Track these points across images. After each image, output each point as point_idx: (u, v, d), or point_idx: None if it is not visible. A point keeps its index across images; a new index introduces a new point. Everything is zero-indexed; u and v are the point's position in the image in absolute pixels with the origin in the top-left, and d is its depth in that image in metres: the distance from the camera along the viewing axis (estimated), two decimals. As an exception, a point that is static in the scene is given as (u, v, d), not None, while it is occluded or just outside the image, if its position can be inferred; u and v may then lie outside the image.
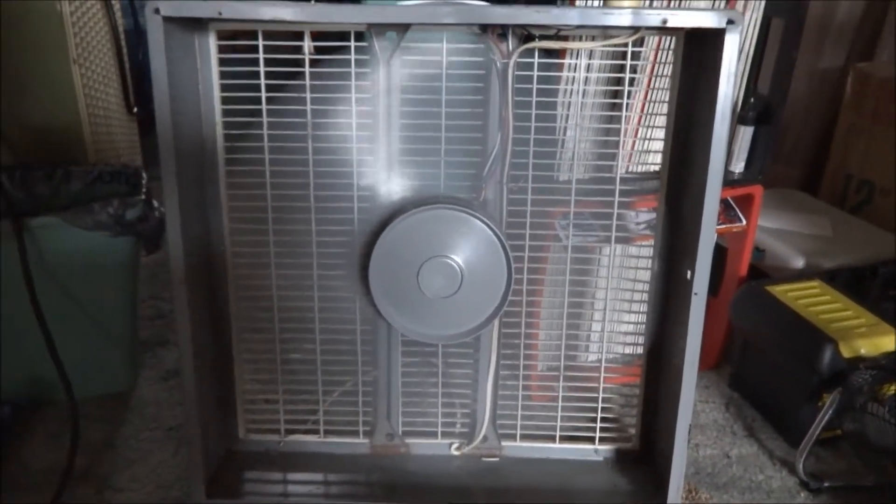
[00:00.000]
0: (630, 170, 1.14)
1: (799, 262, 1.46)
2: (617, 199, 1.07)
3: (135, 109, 1.81)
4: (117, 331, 1.29)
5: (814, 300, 1.28)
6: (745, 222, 1.31)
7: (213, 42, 1.01)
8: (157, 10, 0.90)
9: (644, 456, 1.17)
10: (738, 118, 1.29)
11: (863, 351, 1.16)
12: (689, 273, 1.01)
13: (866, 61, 1.79)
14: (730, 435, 1.29)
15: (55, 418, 1.26)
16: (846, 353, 1.16)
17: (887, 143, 1.69)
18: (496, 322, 1.09)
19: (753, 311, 1.31)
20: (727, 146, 0.94)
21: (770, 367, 1.30)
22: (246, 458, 1.16)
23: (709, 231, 0.96)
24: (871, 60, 1.80)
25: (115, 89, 1.69)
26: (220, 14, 0.92)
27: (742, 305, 1.33)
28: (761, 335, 1.31)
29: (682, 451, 1.04)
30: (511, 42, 0.99)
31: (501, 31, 0.98)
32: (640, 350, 1.15)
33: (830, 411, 1.13)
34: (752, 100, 1.26)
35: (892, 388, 1.11)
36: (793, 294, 1.29)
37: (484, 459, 1.18)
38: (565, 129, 1.10)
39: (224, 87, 1.03)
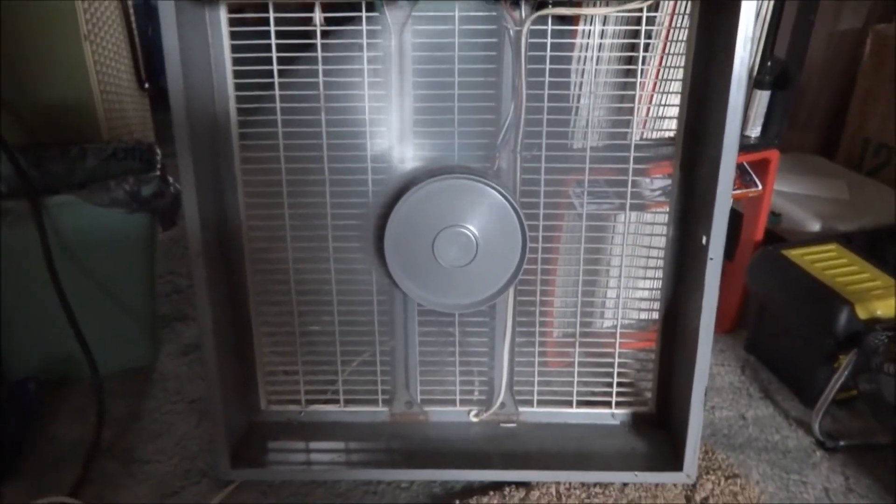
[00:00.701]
0: (644, 136, 1.13)
1: (815, 226, 1.45)
2: (631, 165, 1.07)
3: (146, 85, 1.81)
4: (137, 306, 1.31)
5: (830, 263, 1.27)
6: (760, 187, 1.30)
7: (223, 15, 1.01)
8: (168, -15, 0.89)
9: (661, 419, 1.18)
10: (755, 82, 1.27)
11: (879, 312, 1.16)
12: (704, 238, 1.01)
13: (885, 23, 1.76)
14: (745, 397, 1.30)
15: (80, 394, 1.28)
16: (862, 314, 1.16)
17: (905, 106, 1.67)
18: (511, 290, 1.09)
19: (769, 274, 1.31)
20: (743, 112, 0.93)
21: (786, 330, 1.31)
22: (268, 429, 1.19)
23: (724, 197, 0.95)
24: (891, 22, 1.76)
25: (125, 65, 1.69)
26: (232, -13, 0.92)
27: (758, 269, 1.33)
28: (777, 299, 1.31)
29: (698, 413, 1.05)
30: (524, 9, 0.98)
31: (514, -3, 0.97)
32: (655, 315, 1.16)
33: (847, 372, 1.14)
34: (769, 64, 1.25)
35: (909, 348, 1.11)
36: (809, 257, 1.28)
37: (502, 425, 1.20)
38: (579, 96, 1.10)
39: (236, 61, 1.03)
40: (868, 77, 1.72)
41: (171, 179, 1.26)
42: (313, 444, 1.17)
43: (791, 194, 1.53)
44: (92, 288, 1.25)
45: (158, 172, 1.23)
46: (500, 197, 1.01)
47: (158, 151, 1.33)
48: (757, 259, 1.33)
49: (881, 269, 1.26)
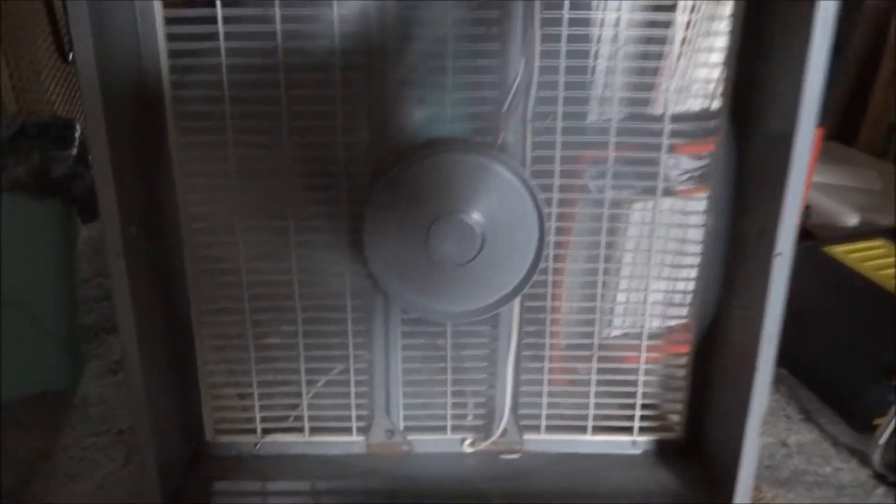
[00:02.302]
0: (677, 108, 0.94)
1: (852, 220, 1.28)
2: (665, 140, 0.87)
3: (70, 56, 1.56)
4: (51, 317, 1.07)
5: (881, 262, 1.10)
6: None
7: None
8: None
9: (691, 447, 0.99)
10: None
11: (948, 318, 0.99)
12: (757, 228, 0.82)
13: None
14: (784, 420, 1.12)
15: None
16: (929, 321, 0.98)
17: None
18: (519, 294, 0.88)
19: (810, 275, 1.12)
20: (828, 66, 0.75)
21: (830, 340, 1.12)
22: (215, 466, 0.97)
23: (799, 177, 0.76)
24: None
25: (42, 33, 1.44)
26: None
27: (796, 269, 1.14)
28: (821, 303, 1.13)
29: (753, 446, 0.86)
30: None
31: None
32: (686, 323, 0.96)
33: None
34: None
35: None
36: (855, 255, 1.11)
37: (502, 457, 1.00)
38: (598, 52, 0.89)
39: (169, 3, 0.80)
40: (894, 58, 1.56)
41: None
42: (272, 485, 0.96)
43: (819, 185, 1.36)
44: (-9, 294, 1.00)
45: (75, 151, 0.99)
46: (513, 177, 0.80)
47: (78, 127, 1.09)
48: (795, 258, 1.15)
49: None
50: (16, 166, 0.90)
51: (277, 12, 0.80)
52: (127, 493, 0.95)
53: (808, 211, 1.31)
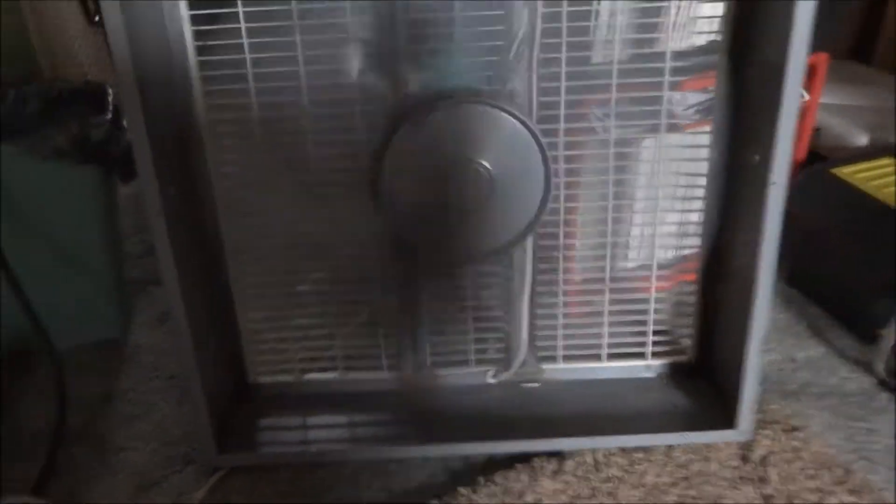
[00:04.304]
0: (680, 44, 0.96)
1: (862, 139, 1.29)
2: (667, 78, 0.90)
3: (97, 19, 1.59)
4: (99, 271, 1.14)
5: (886, 180, 1.12)
6: (807, 96, 1.14)
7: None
8: None
9: (701, 368, 1.05)
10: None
11: (951, 235, 1.02)
12: (756, 158, 0.86)
13: None
14: (793, 337, 1.16)
15: (45, 371, 1.13)
16: (933, 238, 1.01)
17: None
18: (532, 233, 0.94)
19: (819, 197, 1.15)
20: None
21: (839, 259, 1.16)
22: (259, 404, 1.05)
23: (791, 105, 0.79)
24: None
25: (67, -2, 1.47)
26: None
27: (805, 192, 1.17)
28: (830, 224, 1.16)
29: (755, 363, 0.91)
30: None
31: None
32: (693, 252, 1.01)
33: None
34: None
35: None
36: (862, 175, 1.13)
37: (523, 386, 1.06)
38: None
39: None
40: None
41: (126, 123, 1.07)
42: (311, 419, 1.03)
43: (829, 105, 1.36)
44: (45, 253, 1.08)
45: (110, 115, 1.05)
46: (517, 123, 0.84)
47: (110, 91, 1.14)
48: (804, 180, 1.17)
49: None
50: (58, 135, 0.96)
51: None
52: (183, 432, 1.03)
53: (817, 133, 1.32)
